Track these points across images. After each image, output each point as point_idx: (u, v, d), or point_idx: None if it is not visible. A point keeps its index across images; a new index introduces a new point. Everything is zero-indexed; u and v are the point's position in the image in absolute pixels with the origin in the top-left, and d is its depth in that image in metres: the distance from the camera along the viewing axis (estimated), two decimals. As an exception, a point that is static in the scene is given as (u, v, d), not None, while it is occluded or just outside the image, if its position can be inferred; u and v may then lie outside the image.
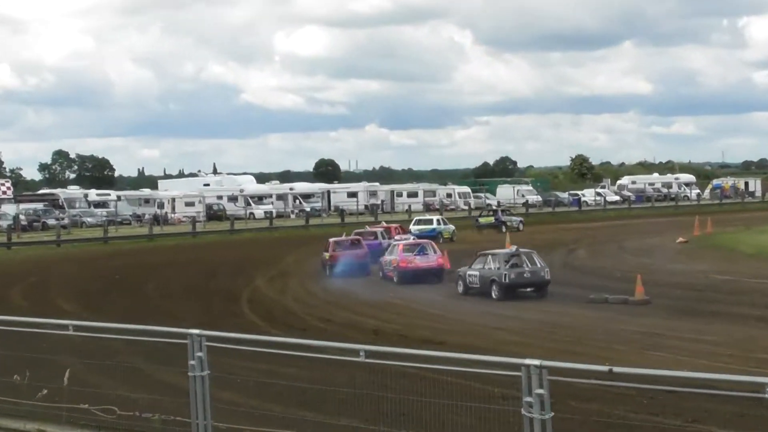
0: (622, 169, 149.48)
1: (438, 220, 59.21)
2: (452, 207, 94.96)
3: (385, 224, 52.11)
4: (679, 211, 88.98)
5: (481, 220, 66.83)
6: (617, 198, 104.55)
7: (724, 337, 21.28)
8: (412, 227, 56.12)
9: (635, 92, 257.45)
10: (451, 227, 58.77)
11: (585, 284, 32.84)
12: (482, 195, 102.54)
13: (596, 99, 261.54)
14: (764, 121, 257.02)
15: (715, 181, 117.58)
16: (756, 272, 34.78)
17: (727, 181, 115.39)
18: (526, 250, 32.77)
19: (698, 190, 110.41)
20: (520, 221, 66.78)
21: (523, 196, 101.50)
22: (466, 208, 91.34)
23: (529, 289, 30.75)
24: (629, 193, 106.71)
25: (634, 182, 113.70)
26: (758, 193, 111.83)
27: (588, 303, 28.02)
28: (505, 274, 30.34)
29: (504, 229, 62.54)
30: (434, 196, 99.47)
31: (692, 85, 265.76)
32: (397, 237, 46.04)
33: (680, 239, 50.20)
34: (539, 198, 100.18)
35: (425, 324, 25.12)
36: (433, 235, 53.38)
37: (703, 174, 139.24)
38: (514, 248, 32.62)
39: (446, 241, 54.84)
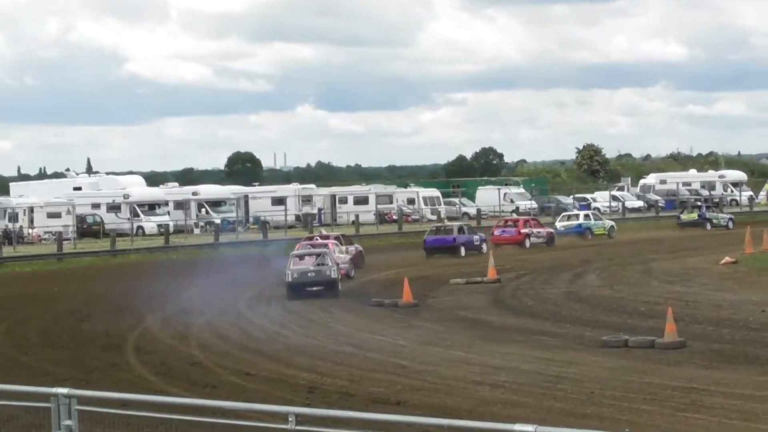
0: (648, 165, 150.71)
1: (586, 215, 74.03)
2: (416, 216, 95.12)
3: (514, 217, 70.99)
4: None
5: (683, 216, 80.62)
6: (640, 203, 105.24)
7: (786, 392, 21.49)
8: (558, 224, 72.43)
9: (665, 59, 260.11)
10: (608, 223, 74.49)
11: (597, 322, 33.03)
12: (456, 200, 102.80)
13: (613, 68, 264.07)
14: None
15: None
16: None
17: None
18: (318, 250, 45.57)
19: (750, 192, 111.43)
20: (730, 218, 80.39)
21: (511, 201, 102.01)
22: (435, 217, 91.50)
23: (315, 288, 41.37)
24: (657, 197, 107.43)
25: (663, 182, 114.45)
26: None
27: (601, 347, 28.16)
28: (289, 273, 41.47)
29: (709, 227, 76.67)
30: (391, 202, 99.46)
31: (742, 48, 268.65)
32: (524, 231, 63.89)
33: (726, 259, 50.58)
34: (533, 204, 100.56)
35: (380, 378, 25.12)
36: (580, 232, 70.50)
37: (758, 170, 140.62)
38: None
39: (598, 237, 69.56)
